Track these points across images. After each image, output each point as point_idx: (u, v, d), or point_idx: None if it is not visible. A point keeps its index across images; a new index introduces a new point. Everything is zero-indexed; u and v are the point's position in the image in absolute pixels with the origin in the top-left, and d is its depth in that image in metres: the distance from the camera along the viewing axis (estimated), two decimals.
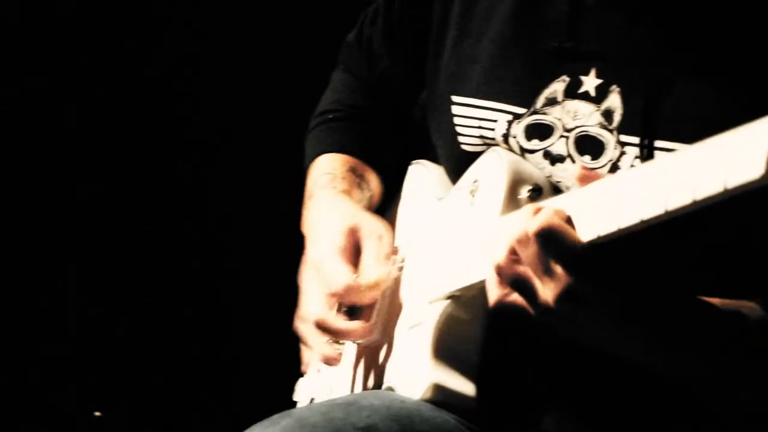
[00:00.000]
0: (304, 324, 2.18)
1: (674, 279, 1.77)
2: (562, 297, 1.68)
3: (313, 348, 2.17)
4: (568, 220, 1.68)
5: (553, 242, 1.67)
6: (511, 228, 1.72)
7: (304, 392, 2.33)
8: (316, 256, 2.12)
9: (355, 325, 2.08)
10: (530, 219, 1.69)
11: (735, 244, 1.87)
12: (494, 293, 1.78)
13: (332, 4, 3.17)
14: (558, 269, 1.67)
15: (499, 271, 1.74)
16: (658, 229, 1.61)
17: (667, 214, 1.58)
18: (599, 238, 1.65)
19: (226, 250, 3.42)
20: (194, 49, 3.44)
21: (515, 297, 1.75)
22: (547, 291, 1.69)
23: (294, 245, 2.26)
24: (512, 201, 1.92)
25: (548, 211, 1.69)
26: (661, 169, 1.60)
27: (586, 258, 1.66)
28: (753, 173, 1.46)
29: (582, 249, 1.66)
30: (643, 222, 1.61)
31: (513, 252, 1.72)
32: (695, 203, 1.55)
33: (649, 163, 1.64)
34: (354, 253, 2.11)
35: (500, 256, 1.73)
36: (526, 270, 1.71)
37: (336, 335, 2.11)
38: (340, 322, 2.08)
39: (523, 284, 1.72)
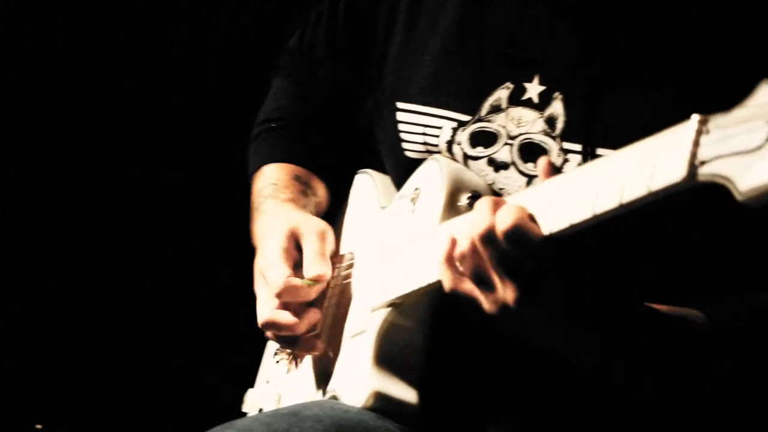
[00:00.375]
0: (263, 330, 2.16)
1: (624, 284, 1.76)
2: (524, 297, 1.66)
3: (287, 347, 2.16)
4: (532, 218, 1.65)
5: (522, 241, 1.64)
6: (475, 223, 1.68)
7: (252, 403, 2.32)
8: (261, 263, 2.12)
9: (295, 319, 2.06)
10: (496, 215, 1.66)
11: (680, 253, 1.86)
12: (449, 278, 1.75)
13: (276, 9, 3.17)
14: (524, 268, 1.65)
15: (461, 261, 1.71)
16: (610, 234, 1.60)
17: (596, 217, 1.58)
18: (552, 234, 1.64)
19: (176, 259, 3.39)
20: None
21: (470, 287, 1.73)
22: (507, 291, 1.67)
23: (245, 257, 2.25)
24: (452, 208, 1.92)
25: (515, 207, 1.65)
26: (590, 174, 1.60)
27: (551, 258, 1.65)
28: (675, 176, 1.46)
29: (548, 248, 1.64)
30: (572, 226, 1.61)
31: (474, 247, 1.69)
32: (622, 206, 1.55)
33: (578, 169, 1.64)
34: (296, 254, 2.10)
35: (464, 247, 1.70)
36: (488, 266, 1.68)
37: (282, 329, 2.08)
38: (284, 316, 2.06)
39: (485, 281, 1.69)
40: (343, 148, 2.35)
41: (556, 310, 1.69)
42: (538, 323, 1.71)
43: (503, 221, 1.65)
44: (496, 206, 1.68)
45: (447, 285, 1.76)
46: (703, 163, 1.44)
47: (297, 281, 2.04)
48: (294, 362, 2.21)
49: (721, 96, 1.49)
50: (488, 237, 1.67)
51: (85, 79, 3.35)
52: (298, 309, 2.06)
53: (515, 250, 1.65)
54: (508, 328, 1.75)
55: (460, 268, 1.73)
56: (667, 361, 1.77)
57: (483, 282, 1.70)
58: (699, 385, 1.80)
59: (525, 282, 1.66)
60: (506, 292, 1.67)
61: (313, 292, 2.06)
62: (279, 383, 2.23)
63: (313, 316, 2.07)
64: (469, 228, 1.70)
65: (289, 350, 2.15)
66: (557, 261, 1.65)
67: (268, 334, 2.10)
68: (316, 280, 2.06)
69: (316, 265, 2.06)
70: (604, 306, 1.71)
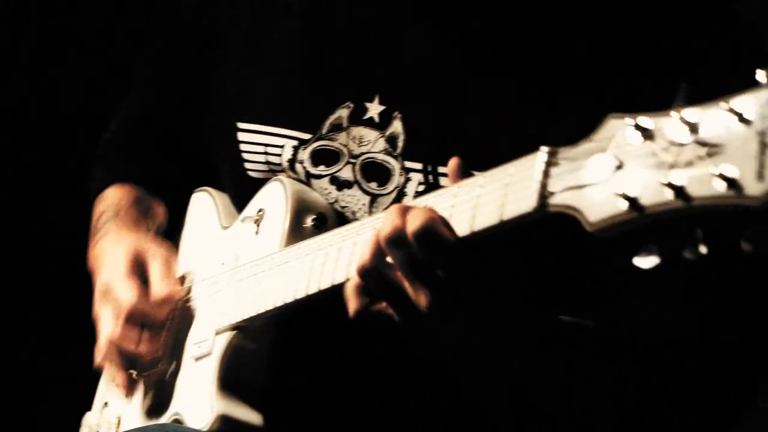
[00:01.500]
0: (103, 355, 2.11)
1: (523, 291, 1.75)
2: (439, 301, 1.60)
3: (113, 379, 2.12)
4: (444, 220, 1.60)
5: (434, 241, 1.57)
6: (382, 229, 1.60)
7: (90, 427, 2.27)
8: (104, 282, 2.08)
9: (143, 335, 2.04)
10: (404, 219, 1.59)
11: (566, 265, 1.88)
12: (354, 303, 1.67)
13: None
14: (437, 272, 1.59)
15: (365, 274, 1.64)
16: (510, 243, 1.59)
17: None
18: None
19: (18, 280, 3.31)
20: None
21: (379, 305, 1.66)
22: (421, 296, 1.61)
23: (82, 279, 2.21)
24: (296, 230, 1.91)
25: (424, 210, 1.59)
26: (439, 202, 1.62)
27: (464, 259, 1.60)
28: (526, 206, 1.49)
29: (461, 247, 1.58)
30: None
31: (380, 255, 1.62)
32: (474, 234, 1.57)
33: (429, 195, 1.66)
34: (141, 276, 2.08)
35: (365, 259, 1.63)
36: (397, 274, 1.62)
37: (127, 351, 2.05)
38: (132, 335, 2.03)
39: (395, 290, 1.62)
40: (183, 166, 2.31)
41: (471, 314, 1.64)
42: (455, 330, 1.65)
43: (414, 222, 1.58)
44: (403, 211, 1.61)
45: (352, 308, 1.68)
46: (552, 194, 1.47)
47: (150, 298, 2.03)
48: (133, 384, 2.17)
49: (573, 125, 1.51)
50: (398, 239, 1.59)
51: (85, 78, 3.24)
52: (142, 331, 2.04)
53: (427, 250, 1.58)
54: (419, 337, 1.68)
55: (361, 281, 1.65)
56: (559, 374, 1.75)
57: (395, 291, 1.63)
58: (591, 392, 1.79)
59: (438, 286, 1.60)
60: (419, 298, 1.61)
61: (162, 313, 2.04)
62: (118, 406, 2.19)
63: (156, 338, 2.05)
64: (372, 236, 1.63)
65: (128, 374, 2.12)
66: (469, 264, 1.61)
67: (108, 357, 2.06)
68: (164, 300, 2.03)
69: (164, 286, 2.05)
70: (509, 315, 1.68)
